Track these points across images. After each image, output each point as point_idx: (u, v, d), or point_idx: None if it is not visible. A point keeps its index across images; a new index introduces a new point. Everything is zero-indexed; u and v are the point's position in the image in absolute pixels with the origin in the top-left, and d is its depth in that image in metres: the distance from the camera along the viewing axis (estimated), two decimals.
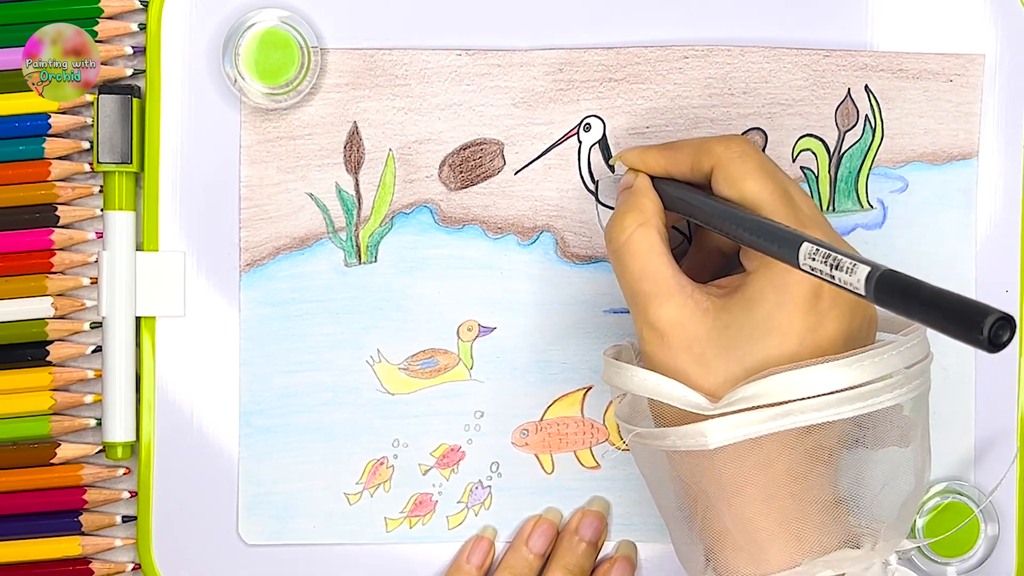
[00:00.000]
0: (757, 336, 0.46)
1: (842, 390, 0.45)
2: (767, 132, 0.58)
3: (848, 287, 0.40)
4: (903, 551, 0.49)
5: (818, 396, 0.45)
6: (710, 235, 0.54)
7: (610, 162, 0.57)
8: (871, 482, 0.48)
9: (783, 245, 0.44)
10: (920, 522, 0.57)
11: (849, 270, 0.40)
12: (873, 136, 0.58)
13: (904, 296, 0.38)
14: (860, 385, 0.46)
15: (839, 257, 0.41)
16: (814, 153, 0.58)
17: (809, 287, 0.46)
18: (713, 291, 0.48)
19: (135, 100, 0.57)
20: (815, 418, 0.46)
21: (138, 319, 0.58)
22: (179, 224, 0.57)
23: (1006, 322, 0.35)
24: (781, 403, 0.45)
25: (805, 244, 0.42)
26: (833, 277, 0.41)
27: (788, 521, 0.47)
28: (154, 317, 0.58)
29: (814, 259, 0.42)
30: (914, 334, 0.48)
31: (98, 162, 0.56)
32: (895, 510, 0.49)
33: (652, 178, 0.52)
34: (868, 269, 0.39)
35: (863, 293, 0.39)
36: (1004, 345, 0.35)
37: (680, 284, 0.48)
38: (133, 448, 0.58)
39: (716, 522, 0.48)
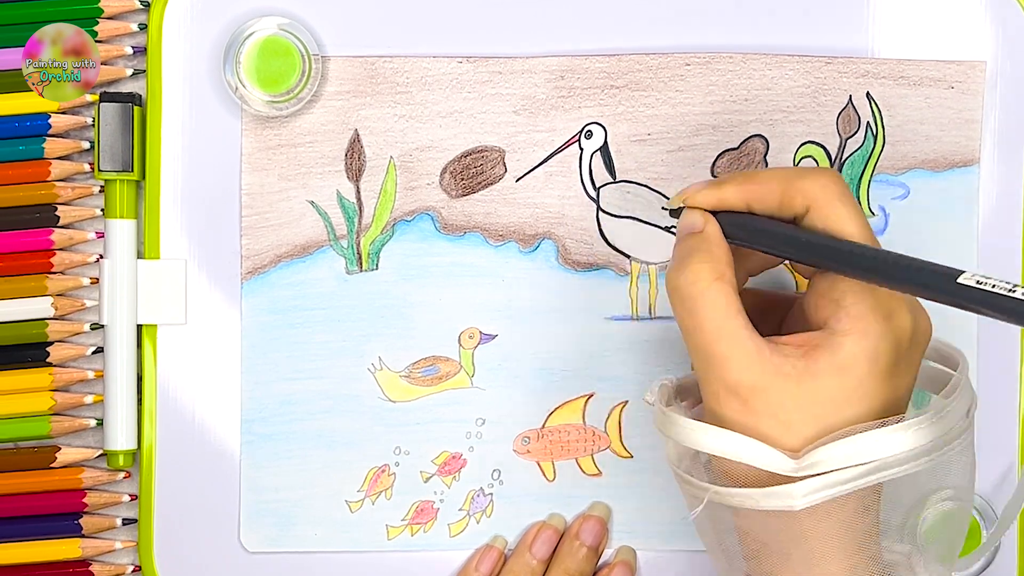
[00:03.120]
0: (849, 404, 0.45)
1: (919, 446, 0.46)
2: (768, 139, 0.58)
3: (1002, 312, 0.40)
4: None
5: (901, 453, 0.45)
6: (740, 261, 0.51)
7: (669, 206, 0.51)
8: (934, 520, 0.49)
9: (937, 281, 0.43)
10: (921, 528, 0.57)
11: (1011, 289, 0.41)
12: (874, 143, 0.58)
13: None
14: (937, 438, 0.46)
15: (1017, 286, 0.41)
16: (816, 160, 0.58)
17: (897, 354, 0.46)
18: (790, 351, 0.46)
19: (136, 108, 0.57)
20: (899, 472, 0.45)
21: (139, 327, 0.58)
22: (180, 232, 0.57)
23: None
24: (867, 463, 0.45)
25: (965, 273, 0.42)
26: (1006, 305, 0.41)
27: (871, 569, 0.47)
28: (155, 325, 0.58)
29: (983, 284, 0.42)
30: (965, 378, 0.48)
31: (99, 170, 0.56)
32: (948, 541, 0.50)
33: (725, 216, 0.49)
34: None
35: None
36: None
37: (759, 347, 0.46)
38: (134, 456, 0.58)
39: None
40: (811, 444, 0.45)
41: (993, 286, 0.41)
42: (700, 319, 0.46)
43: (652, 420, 0.50)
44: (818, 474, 0.45)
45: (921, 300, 0.46)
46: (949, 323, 0.58)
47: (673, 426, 0.48)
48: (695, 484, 0.48)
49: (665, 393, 0.50)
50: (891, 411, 0.46)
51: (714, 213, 0.49)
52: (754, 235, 0.48)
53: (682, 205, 0.50)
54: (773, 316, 0.52)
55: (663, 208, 0.53)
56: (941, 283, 0.43)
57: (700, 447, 0.47)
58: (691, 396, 0.51)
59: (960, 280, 0.42)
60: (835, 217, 0.47)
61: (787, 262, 0.54)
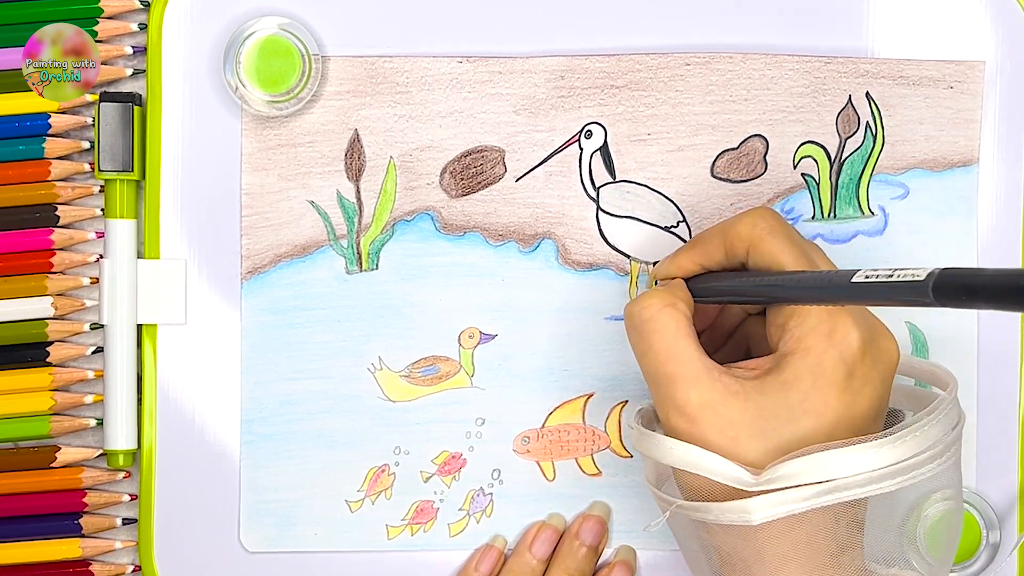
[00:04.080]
0: (794, 417, 0.46)
1: (886, 466, 0.46)
2: (768, 139, 0.58)
3: (909, 298, 0.41)
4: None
5: (862, 473, 0.46)
6: (721, 318, 0.55)
7: (648, 286, 0.58)
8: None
9: (840, 280, 0.45)
10: (921, 530, 0.57)
11: (911, 275, 0.41)
12: (874, 143, 0.58)
13: (967, 286, 0.39)
14: (903, 460, 0.46)
15: (897, 269, 0.42)
16: (815, 160, 0.58)
17: (844, 368, 0.47)
18: (740, 373, 0.48)
19: (136, 108, 0.57)
20: (859, 493, 0.46)
21: (139, 327, 0.58)
22: (180, 232, 0.57)
23: None
24: (825, 481, 0.46)
25: (858, 272, 0.44)
26: (891, 293, 0.42)
27: None
28: (155, 325, 0.58)
29: (870, 278, 0.44)
30: (948, 401, 0.48)
31: (99, 170, 0.56)
32: (940, 552, 0.50)
33: (689, 283, 0.53)
34: (928, 270, 0.41)
35: (929, 298, 0.40)
36: None
37: (707, 367, 0.48)
38: (134, 456, 0.58)
39: None
40: (764, 460, 0.46)
41: (877, 277, 0.43)
42: (650, 341, 0.49)
43: (630, 442, 0.52)
44: (774, 490, 0.46)
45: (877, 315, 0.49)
46: (951, 326, 0.59)
47: (645, 441, 0.49)
48: (663, 499, 0.50)
49: (645, 416, 0.52)
50: (847, 427, 0.47)
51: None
52: (709, 290, 0.52)
53: (655, 283, 0.54)
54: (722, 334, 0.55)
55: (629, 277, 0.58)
56: (840, 286, 0.45)
57: (666, 460, 0.48)
58: None
59: (853, 280, 0.44)
60: (770, 251, 0.49)
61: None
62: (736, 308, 0.55)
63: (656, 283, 0.54)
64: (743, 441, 0.47)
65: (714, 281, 0.52)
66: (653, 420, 0.52)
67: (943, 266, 0.41)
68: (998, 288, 0.38)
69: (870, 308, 0.49)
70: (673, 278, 0.53)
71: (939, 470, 0.47)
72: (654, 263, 0.58)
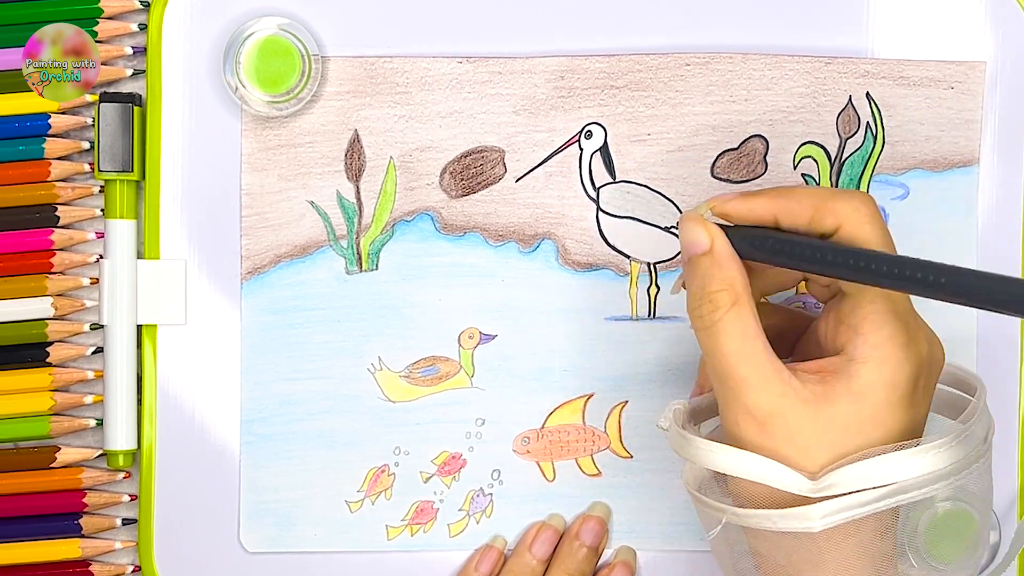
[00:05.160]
0: (863, 431, 0.45)
1: (941, 468, 0.46)
2: (768, 139, 0.58)
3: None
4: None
5: (920, 476, 0.45)
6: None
7: (697, 211, 0.49)
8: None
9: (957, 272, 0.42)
10: (922, 529, 0.57)
11: None
12: (874, 143, 0.58)
13: None
14: (955, 461, 0.46)
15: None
16: (815, 160, 0.58)
17: (913, 382, 0.46)
18: (807, 377, 0.46)
19: (136, 108, 0.57)
20: (917, 496, 0.46)
21: (139, 327, 0.58)
22: (180, 232, 0.57)
23: None
24: (886, 484, 0.45)
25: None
26: (1007, 298, 0.40)
27: None
28: (155, 325, 0.58)
29: None
30: (982, 405, 0.48)
31: (99, 170, 0.56)
32: (943, 554, 0.50)
33: (746, 230, 0.48)
34: None
35: None
36: None
37: (778, 371, 0.46)
38: (134, 456, 0.58)
39: None
40: (827, 468, 0.45)
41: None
42: (719, 343, 0.46)
43: (667, 443, 0.50)
44: (836, 495, 0.45)
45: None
46: (951, 326, 0.59)
47: (691, 447, 0.48)
48: (712, 505, 0.48)
49: (679, 416, 0.50)
50: (907, 437, 0.46)
51: (726, 230, 0.48)
52: (776, 250, 0.47)
53: (706, 212, 0.49)
54: (788, 335, 0.52)
55: (689, 215, 0.50)
56: (957, 278, 0.42)
57: (719, 468, 0.47)
58: (703, 418, 0.52)
59: (973, 272, 0.42)
60: (863, 238, 0.46)
61: (804, 284, 0.54)
62: (776, 278, 0.51)
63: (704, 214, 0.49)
64: (812, 451, 0.46)
65: (791, 240, 0.47)
66: (686, 421, 0.50)
67: None
68: None
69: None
70: (731, 222, 0.48)
71: (984, 467, 0.47)
72: (655, 263, 0.58)
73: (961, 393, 0.51)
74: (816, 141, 0.58)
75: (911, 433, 0.46)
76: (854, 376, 0.46)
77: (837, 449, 0.45)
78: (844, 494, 0.45)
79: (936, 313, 0.59)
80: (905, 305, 0.47)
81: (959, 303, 0.43)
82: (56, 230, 0.57)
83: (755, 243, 0.47)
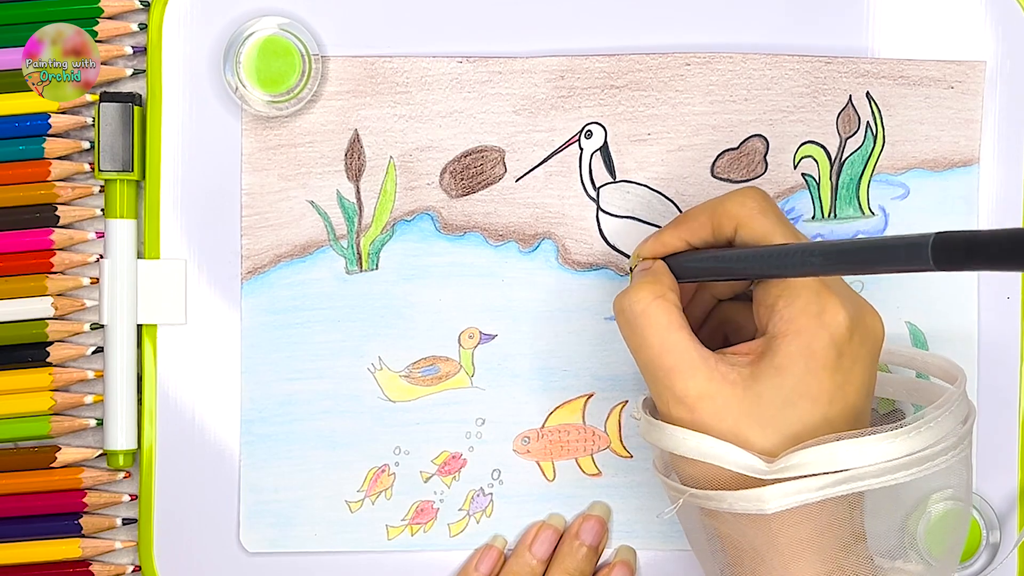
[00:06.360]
0: (790, 401, 0.47)
1: (900, 457, 0.46)
2: (768, 139, 0.58)
3: (908, 262, 0.40)
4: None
5: (877, 464, 0.46)
6: (692, 304, 0.55)
7: (629, 265, 0.57)
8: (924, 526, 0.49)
9: (838, 245, 0.44)
10: (921, 529, 0.57)
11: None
12: (874, 143, 0.58)
13: (966, 246, 0.38)
14: (917, 451, 0.46)
15: (894, 236, 0.42)
16: (815, 160, 0.58)
17: (834, 349, 0.47)
18: (733, 359, 0.48)
19: (136, 108, 0.57)
20: (874, 483, 0.46)
21: (139, 327, 0.58)
22: (180, 232, 0.57)
23: None
24: (840, 471, 0.46)
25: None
26: (889, 256, 0.41)
27: None
28: (155, 325, 0.58)
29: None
30: (959, 394, 0.48)
31: (99, 170, 0.56)
32: (945, 545, 0.50)
33: (671, 260, 0.52)
34: (929, 235, 0.39)
35: (928, 261, 0.39)
36: None
37: (704, 358, 0.48)
38: (134, 456, 0.58)
39: None
40: (766, 446, 0.46)
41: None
42: (645, 335, 0.48)
43: (637, 432, 0.51)
44: (790, 478, 0.46)
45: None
46: (951, 325, 0.59)
47: (654, 431, 0.49)
48: (674, 487, 0.50)
49: (648, 405, 0.52)
50: (841, 407, 0.47)
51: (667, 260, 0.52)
52: (694, 269, 0.51)
53: (636, 263, 0.53)
54: (748, 328, 0.53)
55: (628, 270, 0.57)
56: (840, 251, 0.44)
57: (677, 450, 0.48)
58: None
59: (851, 240, 0.44)
60: (761, 229, 0.49)
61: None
62: (707, 294, 0.55)
63: (637, 265, 0.54)
64: (743, 429, 0.47)
65: (700, 257, 0.51)
66: (655, 409, 0.51)
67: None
68: (998, 246, 0.37)
69: (868, 277, 0.49)
70: (655, 258, 0.53)
71: (952, 462, 0.47)
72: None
73: (942, 383, 0.52)
74: (816, 141, 0.58)
75: (843, 403, 0.47)
76: (775, 352, 0.47)
77: (767, 423, 0.47)
78: (798, 477, 0.46)
79: (936, 313, 0.59)
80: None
81: (852, 273, 0.47)
82: (56, 230, 0.57)
83: (679, 268, 0.51)
